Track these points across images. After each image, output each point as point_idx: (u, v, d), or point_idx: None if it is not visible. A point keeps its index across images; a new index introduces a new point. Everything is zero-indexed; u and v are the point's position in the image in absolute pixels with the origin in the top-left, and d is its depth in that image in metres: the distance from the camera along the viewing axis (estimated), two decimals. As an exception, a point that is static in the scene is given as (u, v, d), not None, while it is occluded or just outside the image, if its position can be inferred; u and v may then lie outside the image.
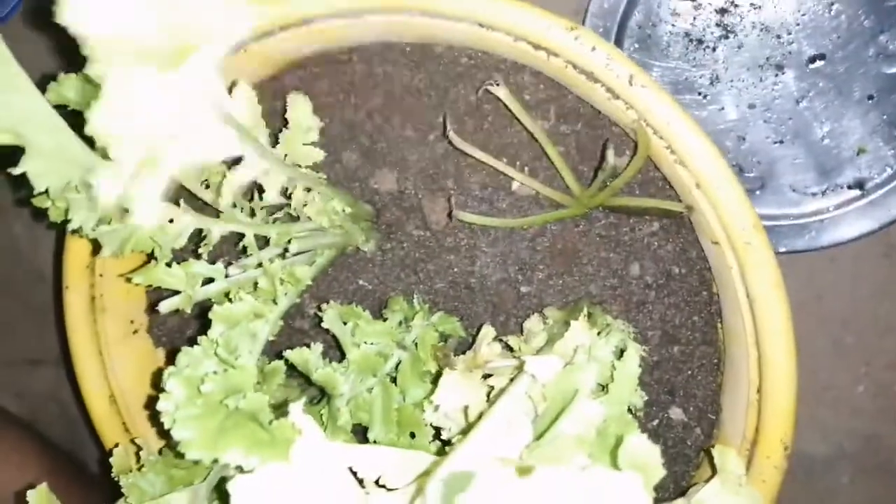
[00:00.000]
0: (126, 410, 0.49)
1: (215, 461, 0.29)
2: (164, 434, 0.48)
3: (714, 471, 0.37)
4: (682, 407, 0.47)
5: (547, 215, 0.45)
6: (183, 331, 0.52)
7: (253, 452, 0.27)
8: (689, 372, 0.47)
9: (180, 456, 0.32)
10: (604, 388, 0.33)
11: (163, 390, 0.31)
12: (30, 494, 0.36)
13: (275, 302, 0.40)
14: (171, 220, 0.38)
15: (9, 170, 0.32)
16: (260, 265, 0.40)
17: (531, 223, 0.46)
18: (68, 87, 0.36)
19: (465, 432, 0.31)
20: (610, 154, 0.40)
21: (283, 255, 0.43)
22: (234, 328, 0.36)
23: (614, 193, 0.43)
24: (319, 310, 0.44)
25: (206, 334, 0.42)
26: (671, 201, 0.43)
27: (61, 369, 0.74)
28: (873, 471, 0.66)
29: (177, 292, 0.40)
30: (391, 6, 0.39)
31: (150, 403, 0.49)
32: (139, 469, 0.40)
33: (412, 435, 0.41)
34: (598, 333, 0.37)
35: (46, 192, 0.33)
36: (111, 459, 0.42)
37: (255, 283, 0.41)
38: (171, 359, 0.53)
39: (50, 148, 0.33)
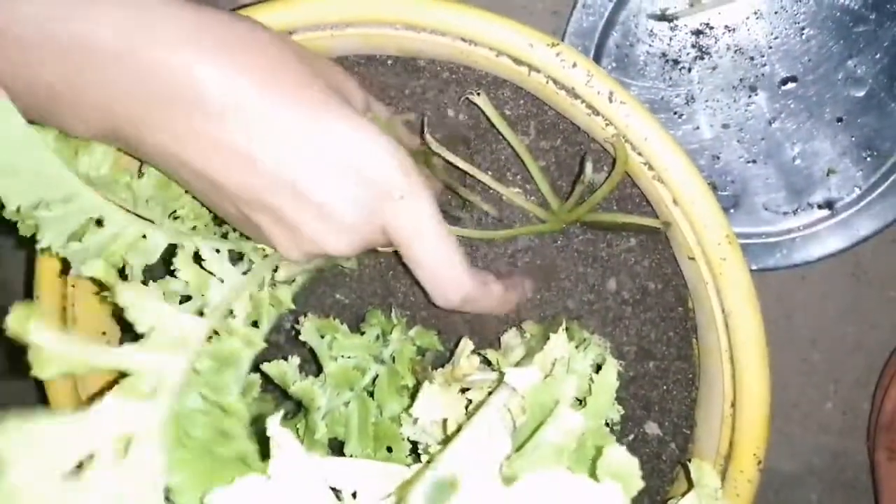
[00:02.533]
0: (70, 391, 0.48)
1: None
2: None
3: (690, 485, 0.37)
4: (658, 422, 0.47)
5: (523, 229, 0.46)
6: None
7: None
8: (665, 387, 0.47)
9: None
10: (581, 402, 0.34)
11: None
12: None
13: (256, 325, 0.40)
14: (143, 237, 0.38)
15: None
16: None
17: (508, 236, 0.46)
18: None
19: (443, 445, 0.31)
20: (588, 168, 0.40)
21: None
22: (223, 365, 0.36)
23: (592, 209, 0.43)
24: (297, 323, 0.44)
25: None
26: (648, 217, 0.44)
27: (28, 382, 0.73)
28: (841, 487, 0.67)
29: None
30: (375, 19, 0.39)
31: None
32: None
33: (389, 449, 0.41)
34: (577, 347, 0.37)
35: (18, 209, 0.33)
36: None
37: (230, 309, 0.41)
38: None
39: (23, 166, 0.33)
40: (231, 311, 0.35)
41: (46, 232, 0.34)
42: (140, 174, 0.39)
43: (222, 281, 0.36)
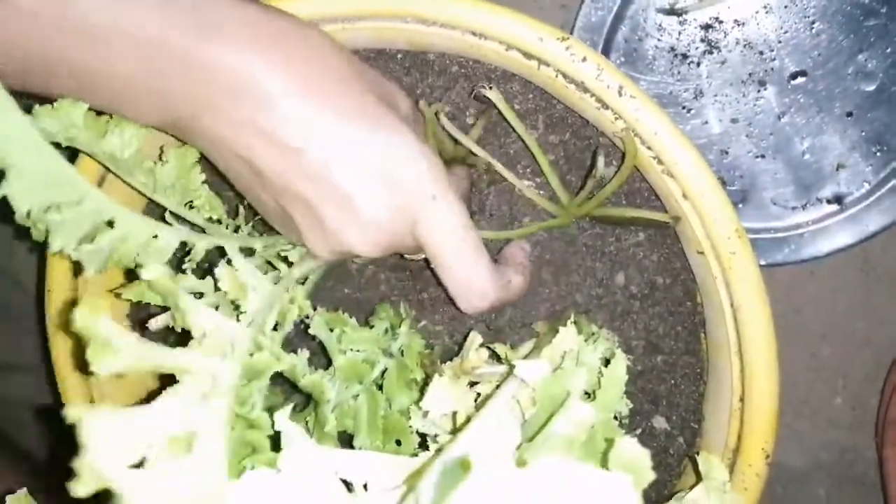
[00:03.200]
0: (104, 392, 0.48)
1: None
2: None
3: (698, 478, 0.37)
4: (666, 416, 0.47)
5: (534, 226, 0.46)
6: (166, 339, 0.52)
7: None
8: (673, 381, 0.47)
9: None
10: (589, 395, 0.34)
11: None
12: (9, 500, 0.36)
13: (275, 328, 0.40)
14: (155, 236, 0.38)
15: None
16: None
17: (521, 235, 0.46)
18: (45, 118, 0.35)
19: (453, 436, 0.31)
20: (600, 162, 0.40)
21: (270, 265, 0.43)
22: (252, 378, 0.36)
23: (601, 203, 0.43)
24: (306, 317, 0.44)
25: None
26: (657, 211, 0.44)
27: (38, 375, 0.73)
28: (849, 483, 0.66)
29: (165, 307, 0.40)
30: (385, 12, 0.39)
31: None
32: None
33: (398, 442, 0.41)
34: (585, 341, 0.37)
35: (28, 213, 0.33)
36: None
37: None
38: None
39: (33, 170, 0.33)
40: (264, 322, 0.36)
41: (58, 235, 0.35)
42: (162, 161, 0.39)
43: (255, 290, 0.36)
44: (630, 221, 0.45)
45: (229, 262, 0.38)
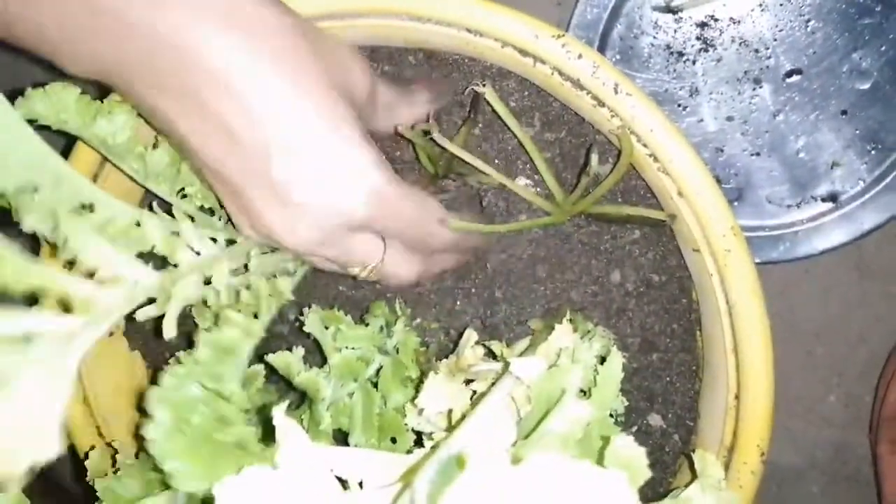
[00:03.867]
0: (99, 414, 0.48)
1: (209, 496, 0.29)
2: (142, 440, 0.48)
3: (694, 475, 0.37)
4: (661, 413, 0.47)
5: (528, 222, 0.46)
6: (159, 333, 0.52)
7: (245, 483, 0.27)
8: (668, 379, 0.47)
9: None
10: (585, 393, 0.34)
11: (148, 414, 0.31)
12: (1, 498, 0.35)
13: (256, 316, 0.40)
14: (137, 224, 0.37)
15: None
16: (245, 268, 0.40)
17: (514, 229, 0.46)
18: (36, 101, 0.35)
19: (448, 434, 0.31)
20: (594, 160, 0.40)
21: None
22: (224, 355, 0.36)
23: (597, 201, 0.43)
24: (300, 314, 0.44)
25: (189, 344, 0.41)
26: (653, 209, 0.44)
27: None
28: (843, 481, 0.67)
29: (152, 299, 0.39)
30: (380, 9, 0.39)
31: (137, 424, 0.48)
32: (115, 473, 0.40)
33: (393, 440, 0.41)
34: (581, 338, 0.37)
35: (2, 193, 0.33)
36: (87, 463, 0.41)
37: (237, 293, 0.41)
38: (146, 361, 0.52)
39: (9, 149, 0.33)
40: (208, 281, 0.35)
41: (30, 216, 0.34)
42: (155, 147, 0.39)
43: (198, 253, 0.36)
44: (626, 219, 0.45)
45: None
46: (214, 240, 0.39)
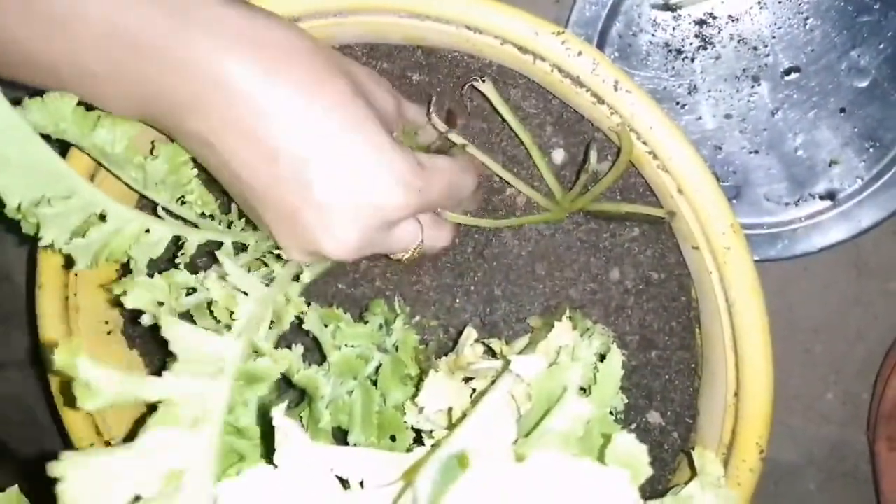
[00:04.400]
0: (98, 412, 0.48)
1: None
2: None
3: (693, 473, 0.37)
4: (660, 411, 0.47)
5: (526, 218, 0.46)
6: (159, 332, 0.51)
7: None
8: (667, 376, 0.47)
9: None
10: (584, 390, 0.34)
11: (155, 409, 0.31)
12: (0, 497, 0.35)
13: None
14: (147, 231, 0.37)
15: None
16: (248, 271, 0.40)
17: (512, 224, 0.46)
18: (34, 111, 0.35)
19: (449, 432, 0.31)
20: (592, 156, 0.40)
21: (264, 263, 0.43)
22: (249, 384, 0.36)
23: (595, 198, 0.43)
24: (300, 313, 0.44)
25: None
26: (652, 206, 0.44)
27: (26, 371, 0.73)
28: (840, 478, 0.67)
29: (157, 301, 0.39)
30: (379, 7, 0.39)
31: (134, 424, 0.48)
32: (113, 471, 0.39)
33: (392, 438, 0.41)
34: (581, 336, 0.37)
35: (18, 206, 0.33)
36: (84, 461, 0.41)
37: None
38: (145, 360, 0.52)
39: (23, 162, 0.33)
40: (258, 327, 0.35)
41: (49, 229, 0.34)
42: (153, 155, 0.39)
43: (247, 294, 0.36)
44: (625, 217, 0.45)
45: (219, 264, 0.38)
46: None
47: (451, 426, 0.34)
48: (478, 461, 0.18)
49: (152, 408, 0.29)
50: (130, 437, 0.47)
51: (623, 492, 0.21)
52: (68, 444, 0.48)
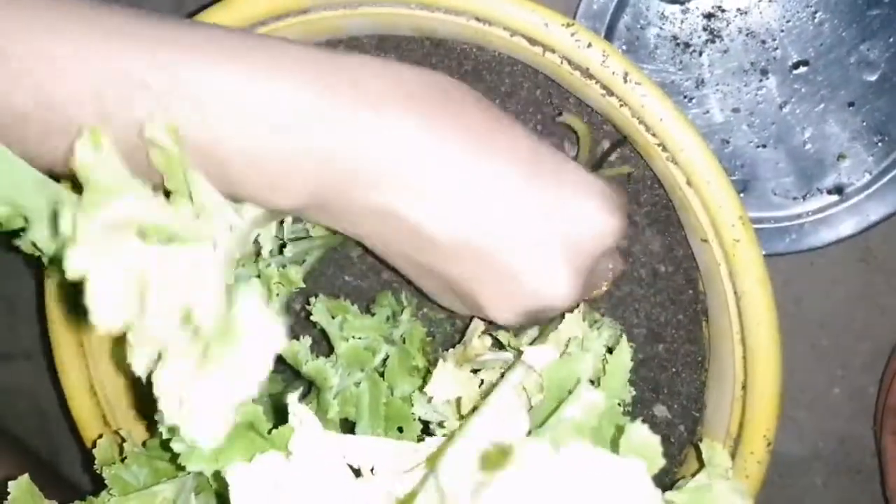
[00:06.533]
0: (106, 402, 0.48)
1: (217, 472, 0.29)
2: (149, 427, 0.48)
3: (700, 466, 0.37)
4: (667, 404, 0.47)
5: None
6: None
7: (254, 462, 0.27)
8: (674, 370, 0.47)
9: (166, 448, 0.31)
10: (593, 383, 0.34)
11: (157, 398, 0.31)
12: (11, 486, 0.36)
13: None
14: None
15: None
16: (255, 262, 0.40)
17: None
18: None
19: (462, 422, 0.31)
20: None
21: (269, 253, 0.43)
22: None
23: None
24: (307, 303, 0.44)
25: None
26: (660, 199, 0.44)
27: (32, 362, 0.73)
28: (847, 472, 0.67)
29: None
30: (389, -3, 0.39)
31: (139, 404, 0.48)
32: (122, 461, 0.40)
33: (400, 430, 0.41)
34: (590, 328, 0.37)
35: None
36: (94, 451, 0.41)
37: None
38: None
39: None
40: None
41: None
42: None
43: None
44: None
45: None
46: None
47: (461, 417, 0.34)
48: (515, 454, 0.18)
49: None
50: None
51: (639, 482, 0.21)
52: (76, 435, 0.48)
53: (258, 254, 0.42)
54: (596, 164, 0.45)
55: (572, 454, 0.18)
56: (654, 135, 0.39)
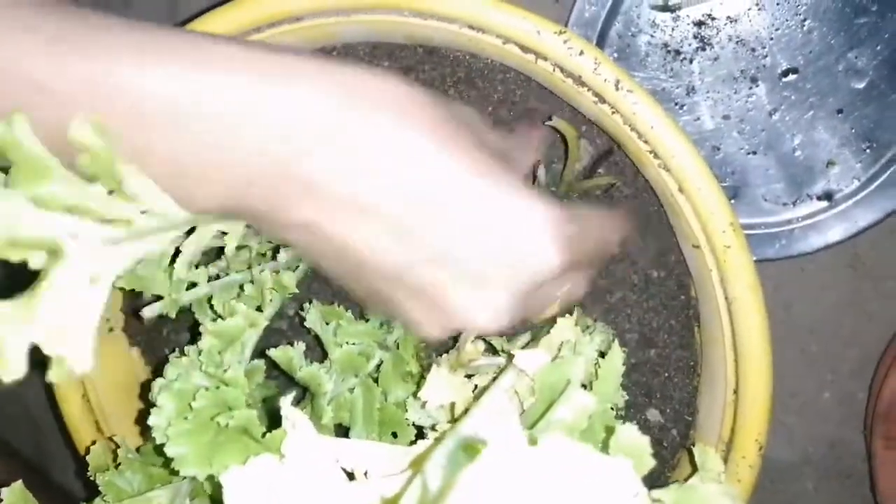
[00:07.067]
0: (99, 409, 0.48)
1: (210, 476, 0.29)
2: (143, 433, 0.48)
3: (693, 469, 0.37)
4: (659, 409, 0.47)
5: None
6: (159, 330, 0.52)
7: (248, 466, 0.27)
8: (666, 374, 0.47)
9: (160, 454, 0.32)
10: (586, 387, 0.34)
11: (153, 404, 0.31)
12: (4, 492, 0.36)
13: (260, 309, 0.40)
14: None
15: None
16: (249, 268, 0.40)
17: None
18: None
19: (453, 424, 0.31)
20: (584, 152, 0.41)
21: (264, 256, 0.43)
22: (228, 344, 0.36)
23: (570, 189, 0.44)
24: (301, 309, 0.44)
25: (191, 339, 0.41)
26: (648, 204, 0.44)
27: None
28: (837, 477, 0.67)
29: (158, 297, 0.40)
30: (382, 4, 0.39)
31: (140, 417, 0.48)
32: (116, 467, 0.40)
33: (394, 435, 0.41)
34: (582, 332, 0.38)
35: None
36: (88, 457, 0.41)
37: (241, 287, 0.41)
38: (146, 357, 0.52)
39: None
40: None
41: None
42: None
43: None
44: (587, 191, 0.45)
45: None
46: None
47: (454, 420, 0.35)
48: (488, 446, 0.18)
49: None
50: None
51: (627, 481, 0.22)
52: (68, 441, 0.48)
53: (252, 260, 0.42)
54: (586, 174, 0.45)
55: (553, 447, 0.18)
56: (645, 142, 0.39)
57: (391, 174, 0.29)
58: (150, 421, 0.31)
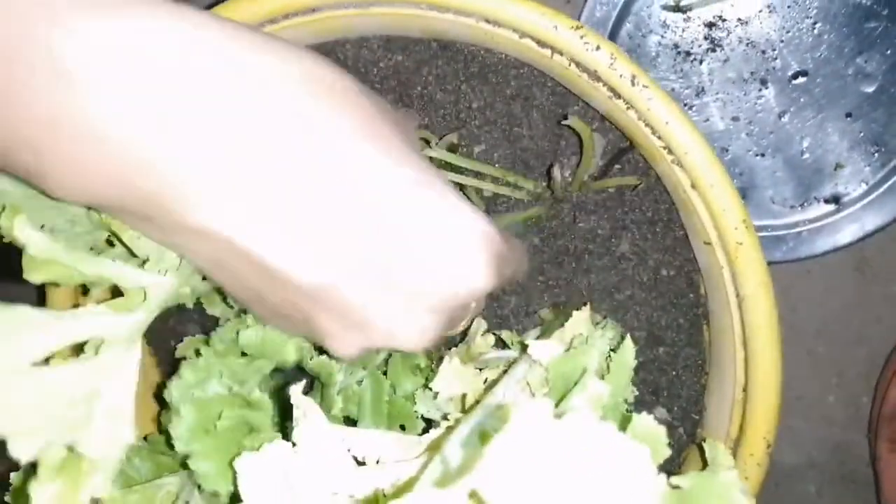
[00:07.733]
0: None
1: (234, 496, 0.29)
2: (152, 421, 0.47)
3: (705, 464, 0.37)
4: (667, 407, 0.47)
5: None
6: (165, 319, 0.52)
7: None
8: (674, 372, 0.47)
9: (168, 443, 0.32)
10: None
11: (165, 402, 0.32)
12: (13, 477, 0.35)
13: None
14: None
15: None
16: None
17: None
18: None
19: (466, 414, 0.31)
20: (594, 151, 0.41)
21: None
22: (252, 361, 0.35)
23: (583, 187, 0.44)
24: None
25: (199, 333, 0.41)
26: (661, 202, 0.44)
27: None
28: (841, 480, 0.67)
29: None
30: (400, -3, 0.39)
31: (144, 404, 0.48)
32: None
33: (402, 428, 0.41)
34: (594, 327, 0.38)
35: None
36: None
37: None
38: (151, 348, 0.52)
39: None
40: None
41: None
42: None
43: None
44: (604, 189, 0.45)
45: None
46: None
47: (465, 412, 0.35)
48: (516, 415, 0.18)
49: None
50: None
51: (643, 467, 0.22)
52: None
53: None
54: (601, 173, 0.45)
55: (578, 423, 0.18)
56: (659, 137, 0.39)
57: (310, 166, 0.25)
58: (171, 431, 0.31)
